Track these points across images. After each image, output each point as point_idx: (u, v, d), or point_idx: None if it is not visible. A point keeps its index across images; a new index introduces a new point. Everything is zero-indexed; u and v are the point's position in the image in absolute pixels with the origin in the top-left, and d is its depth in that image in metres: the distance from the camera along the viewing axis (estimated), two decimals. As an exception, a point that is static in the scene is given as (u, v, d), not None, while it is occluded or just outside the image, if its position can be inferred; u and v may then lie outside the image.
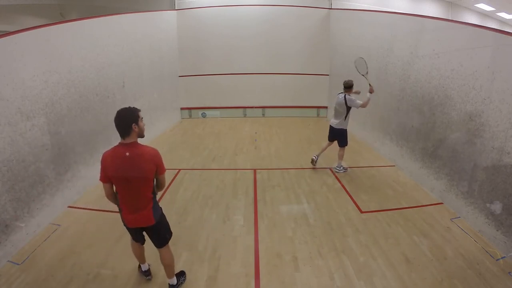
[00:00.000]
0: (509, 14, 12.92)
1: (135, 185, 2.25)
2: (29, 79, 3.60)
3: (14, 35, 3.45)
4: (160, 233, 2.50)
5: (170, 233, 2.58)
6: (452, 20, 5.70)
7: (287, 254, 3.19)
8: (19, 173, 3.35)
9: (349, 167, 5.54)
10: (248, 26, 9.40)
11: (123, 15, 6.33)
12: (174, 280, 2.66)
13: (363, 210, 4.06)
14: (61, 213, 3.98)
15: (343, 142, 5.29)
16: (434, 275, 2.85)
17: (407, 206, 4.15)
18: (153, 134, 7.46)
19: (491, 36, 3.59)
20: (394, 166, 5.58)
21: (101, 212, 4.05)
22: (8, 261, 3.05)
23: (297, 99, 9.92)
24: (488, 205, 3.43)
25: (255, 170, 5.41)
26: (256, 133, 7.92)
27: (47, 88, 3.89)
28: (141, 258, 2.76)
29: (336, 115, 5.21)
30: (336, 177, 5.13)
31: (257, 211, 4.07)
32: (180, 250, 3.25)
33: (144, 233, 2.56)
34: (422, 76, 4.83)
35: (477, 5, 12.12)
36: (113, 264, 3.03)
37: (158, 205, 2.47)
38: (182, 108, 9.78)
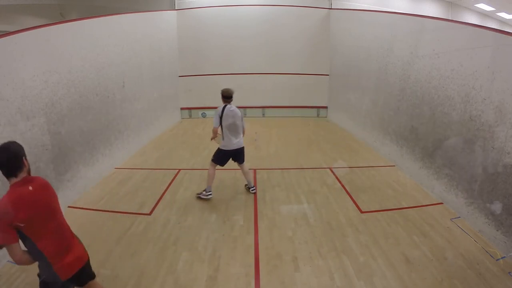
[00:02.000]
0: (509, 14, 12.92)
1: (56, 218, 1.94)
2: (29, 79, 3.60)
3: (14, 35, 3.45)
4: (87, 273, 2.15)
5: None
6: (452, 20, 5.71)
7: (287, 254, 3.19)
8: (19, 173, 3.35)
9: (349, 167, 5.53)
10: (248, 26, 9.39)
11: (123, 15, 6.33)
12: None
13: (363, 210, 4.06)
14: (61, 213, 3.97)
15: (243, 159, 4.42)
16: (434, 275, 2.85)
17: (407, 206, 4.15)
18: (153, 134, 7.47)
19: (491, 36, 3.59)
20: (394, 166, 5.58)
21: (101, 212, 4.06)
22: (8, 261, 3.04)
23: (297, 99, 9.91)
24: (488, 205, 3.43)
25: (255, 170, 5.41)
26: (256, 133, 7.91)
27: (47, 88, 3.89)
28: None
29: (237, 132, 4.20)
30: (336, 177, 5.13)
31: (257, 211, 4.07)
32: (180, 250, 3.25)
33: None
34: (422, 76, 4.83)
35: (477, 5, 12.12)
36: (113, 264, 3.03)
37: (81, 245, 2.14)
38: (182, 108, 9.78)
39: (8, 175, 1.77)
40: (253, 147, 6.84)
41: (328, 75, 9.68)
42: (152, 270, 2.96)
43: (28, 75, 3.59)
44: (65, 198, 4.15)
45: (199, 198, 4.37)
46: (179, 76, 9.55)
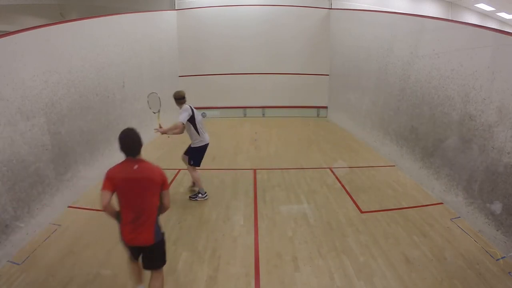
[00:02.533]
0: (509, 14, 12.92)
1: (141, 197, 2.24)
2: (29, 79, 3.60)
3: (14, 35, 3.45)
4: (155, 256, 2.37)
5: (164, 261, 2.44)
6: (452, 20, 5.71)
7: (287, 254, 3.19)
8: (19, 173, 3.35)
9: (349, 167, 5.54)
10: (248, 26, 9.40)
11: (123, 15, 6.33)
12: None
13: (363, 210, 4.06)
14: (61, 213, 3.97)
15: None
16: (434, 275, 2.85)
17: (407, 206, 4.15)
18: (153, 134, 7.45)
19: (491, 36, 3.59)
20: (394, 166, 5.58)
21: (101, 212, 4.04)
22: (8, 261, 3.05)
23: (297, 99, 9.92)
24: (488, 205, 3.43)
25: (255, 170, 5.41)
26: (256, 133, 7.92)
27: (47, 88, 3.89)
28: (139, 278, 2.54)
29: (204, 127, 4.30)
30: (336, 177, 5.13)
31: (257, 211, 4.07)
32: (180, 250, 3.25)
33: None
34: (422, 76, 4.83)
35: (477, 5, 12.12)
36: (113, 264, 3.03)
37: (160, 229, 2.38)
38: (182, 108, 9.78)
39: (126, 154, 2.27)
40: (253, 147, 6.85)
41: (328, 75, 9.69)
42: None
43: (28, 75, 3.58)
44: (65, 198, 4.15)
45: (195, 200, 4.33)
46: (179, 76, 9.55)
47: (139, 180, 2.21)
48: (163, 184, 2.29)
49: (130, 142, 2.29)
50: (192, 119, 4.06)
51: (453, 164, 4.07)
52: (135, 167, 2.23)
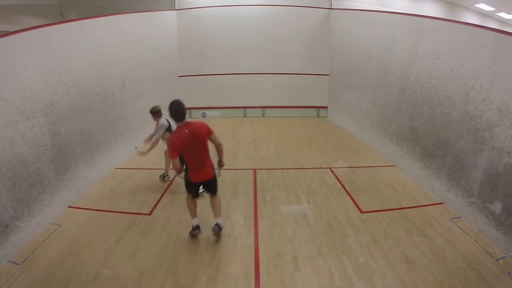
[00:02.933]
0: (509, 14, 12.92)
1: (197, 149, 3.14)
2: (29, 79, 3.61)
3: (14, 35, 3.46)
4: (213, 184, 3.39)
5: (217, 189, 3.44)
6: (452, 20, 5.72)
7: (287, 254, 3.19)
8: (19, 173, 3.35)
9: (349, 167, 5.54)
10: (248, 26, 9.39)
11: (123, 15, 6.33)
12: (220, 220, 3.39)
13: (363, 210, 4.06)
14: (61, 213, 3.97)
15: None
16: (434, 275, 2.85)
17: (407, 206, 4.15)
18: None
19: (491, 36, 3.59)
20: (394, 166, 5.58)
21: (101, 212, 4.05)
22: (8, 261, 3.05)
23: (297, 99, 9.91)
24: (488, 205, 3.43)
25: (255, 170, 5.41)
26: (256, 133, 7.92)
27: (47, 88, 3.89)
28: (195, 213, 3.47)
29: None
30: (336, 177, 5.13)
31: (257, 211, 4.07)
32: (180, 250, 3.25)
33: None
34: (422, 76, 4.83)
35: (477, 5, 12.12)
36: (113, 264, 3.03)
37: (214, 167, 3.34)
38: (182, 108, 9.77)
39: (177, 120, 3.11)
40: (253, 147, 6.85)
41: (328, 75, 9.68)
42: (152, 270, 2.96)
43: (28, 75, 3.59)
44: (65, 198, 4.15)
45: (163, 179, 4.91)
46: (179, 76, 9.55)
47: (192, 140, 3.09)
48: (208, 132, 3.18)
49: (180, 110, 3.11)
50: (169, 130, 4.47)
51: (453, 164, 4.07)
52: (186, 131, 3.07)
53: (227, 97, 9.76)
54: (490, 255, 3.12)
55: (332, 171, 5.39)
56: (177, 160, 3.07)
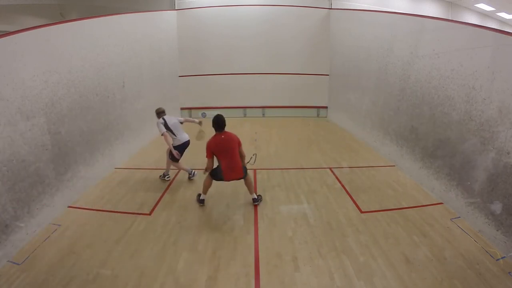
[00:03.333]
0: (509, 14, 12.92)
1: (230, 153, 3.89)
2: (29, 79, 3.60)
3: (14, 35, 3.45)
4: (243, 178, 4.12)
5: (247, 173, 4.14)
6: (452, 20, 5.71)
7: (287, 254, 3.19)
8: (19, 173, 3.35)
9: (349, 167, 5.54)
10: (248, 26, 9.39)
11: (123, 15, 6.33)
12: (254, 195, 4.20)
13: (363, 210, 4.06)
14: (61, 213, 3.98)
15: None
16: (434, 275, 2.85)
17: (407, 206, 4.15)
18: (153, 134, 7.44)
19: (491, 36, 3.59)
20: (394, 166, 5.58)
21: (101, 212, 4.06)
22: (8, 261, 3.05)
23: (297, 99, 9.91)
24: (488, 205, 3.43)
25: (255, 170, 5.41)
26: (256, 133, 7.92)
27: (47, 88, 3.89)
28: (206, 190, 4.19)
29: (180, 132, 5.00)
30: (336, 177, 5.13)
31: (257, 211, 4.07)
32: (180, 250, 3.25)
33: None
34: (422, 76, 4.83)
35: (477, 5, 12.12)
36: (113, 264, 3.04)
37: (245, 167, 4.09)
38: (182, 108, 9.78)
39: (217, 130, 3.91)
40: (253, 147, 6.84)
41: (328, 75, 9.68)
42: (152, 270, 2.96)
43: (28, 75, 3.58)
44: (65, 198, 4.15)
45: (162, 179, 5.07)
46: (179, 76, 9.55)
47: (226, 145, 3.88)
48: (239, 143, 3.98)
49: (221, 123, 3.90)
50: (166, 127, 4.81)
51: (453, 164, 4.07)
52: (222, 137, 3.89)
53: (227, 97, 9.76)
54: (490, 255, 3.12)
55: (332, 171, 5.39)
56: (210, 160, 3.90)
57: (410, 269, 2.94)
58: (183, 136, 5.01)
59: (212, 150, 3.84)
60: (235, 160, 3.90)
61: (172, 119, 4.94)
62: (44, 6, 8.52)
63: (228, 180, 4.00)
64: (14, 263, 3.04)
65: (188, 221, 3.84)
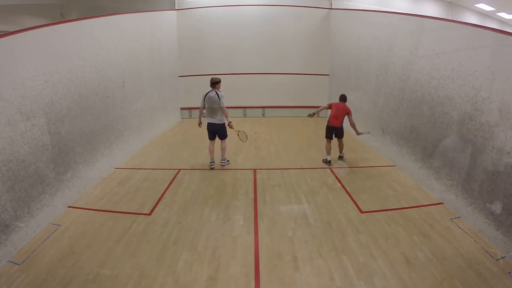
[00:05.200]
0: (509, 14, 12.92)
1: (338, 113, 5.63)
2: (29, 79, 3.60)
3: (14, 35, 3.45)
4: (341, 131, 5.78)
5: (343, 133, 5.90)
6: (452, 20, 5.71)
7: (287, 254, 3.19)
8: (19, 173, 3.35)
9: (349, 167, 5.54)
10: (248, 26, 9.41)
11: (123, 15, 6.34)
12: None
13: (363, 210, 4.06)
14: (61, 213, 3.97)
15: (224, 135, 5.53)
16: (434, 275, 2.85)
17: (407, 206, 4.15)
18: (153, 134, 7.47)
19: (491, 36, 3.59)
20: (394, 166, 5.58)
21: (101, 212, 4.05)
22: (8, 261, 3.05)
23: (297, 99, 9.92)
24: (488, 205, 3.43)
25: (255, 170, 5.41)
26: (256, 133, 7.92)
27: (47, 88, 3.89)
28: (330, 151, 5.73)
29: (214, 113, 5.35)
30: (336, 177, 5.13)
31: (257, 211, 4.07)
32: (180, 250, 3.25)
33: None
34: (422, 76, 4.83)
35: (477, 5, 12.13)
36: (113, 264, 3.03)
37: (343, 127, 5.75)
38: (182, 108, 9.79)
39: (340, 100, 5.84)
40: (253, 147, 6.85)
41: (328, 75, 9.69)
42: (152, 270, 2.96)
43: (28, 75, 3.59)
44: (65, 198, 4.15)
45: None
46: (179, 76, 9.56)
47: (339, 107, 5.65)
48: (348, 111, 5.61)
49: (343, 97, 5.73)
50: (205, 98, 5.32)
51: (453, 164, 4.07)
52: (340, 104, 5.69)
53: (227, 97, 9.72)
54: (490, 255, 3.11)
55: (332, 171, 5.39)
56: (325, 107, 5.98)
57: (410, 269, 2.94)
58: (208, 119, 5.38)
59: (332, 106, 5.78)
60: (339, 117, 5.67)
61: (208, 99, 5.31)
62: (44, 6, 8.53)
63: (329, 126, 5.72)
64: (14, 263, 3.03)
65: (188, 221, 3.84)
